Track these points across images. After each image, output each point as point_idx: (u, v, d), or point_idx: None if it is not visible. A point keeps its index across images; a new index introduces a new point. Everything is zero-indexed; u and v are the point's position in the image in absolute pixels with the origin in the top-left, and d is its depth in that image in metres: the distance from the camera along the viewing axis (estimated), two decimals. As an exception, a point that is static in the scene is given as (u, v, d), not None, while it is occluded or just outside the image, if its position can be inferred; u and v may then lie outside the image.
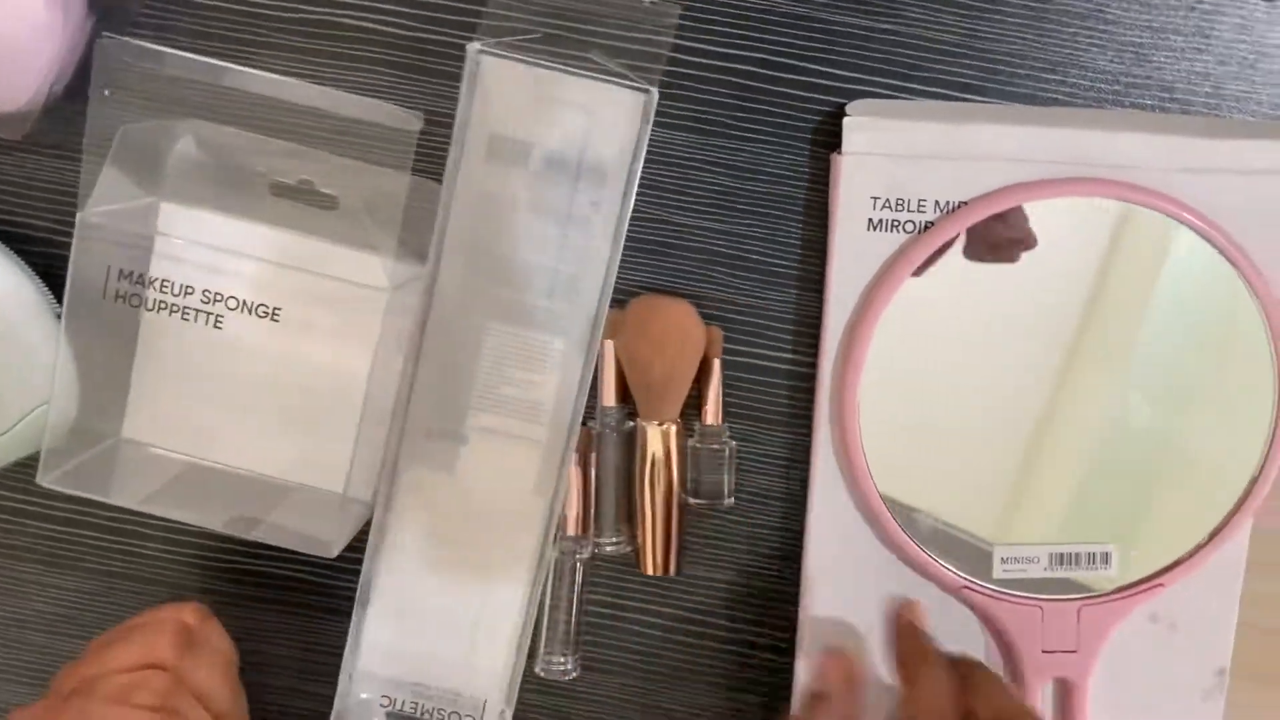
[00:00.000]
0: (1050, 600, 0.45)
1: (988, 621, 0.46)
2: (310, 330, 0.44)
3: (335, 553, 0.44)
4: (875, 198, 0.44)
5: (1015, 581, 0.45)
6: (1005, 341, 0.45)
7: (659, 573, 0.48)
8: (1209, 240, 0.43)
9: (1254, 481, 0.45)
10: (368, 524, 0.46)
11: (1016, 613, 0.45)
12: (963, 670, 0.41)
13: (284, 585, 0.50)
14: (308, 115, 0.43)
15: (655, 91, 0.43)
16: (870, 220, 0.44)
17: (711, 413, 0.47)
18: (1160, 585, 0.45)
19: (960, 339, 0.45)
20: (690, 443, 0.47)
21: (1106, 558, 0.45)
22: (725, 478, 0.47)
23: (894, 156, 0.44)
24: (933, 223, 0.44)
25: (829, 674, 0.44)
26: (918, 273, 0.44)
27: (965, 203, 0.44)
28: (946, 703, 0.40)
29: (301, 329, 0.44)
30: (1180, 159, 0.44)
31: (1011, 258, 0.44)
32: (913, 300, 0.44)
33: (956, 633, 0.46)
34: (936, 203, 0.44)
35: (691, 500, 0.47)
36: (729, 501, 0.47)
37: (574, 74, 0.45)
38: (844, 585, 0.46)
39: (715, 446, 0.47)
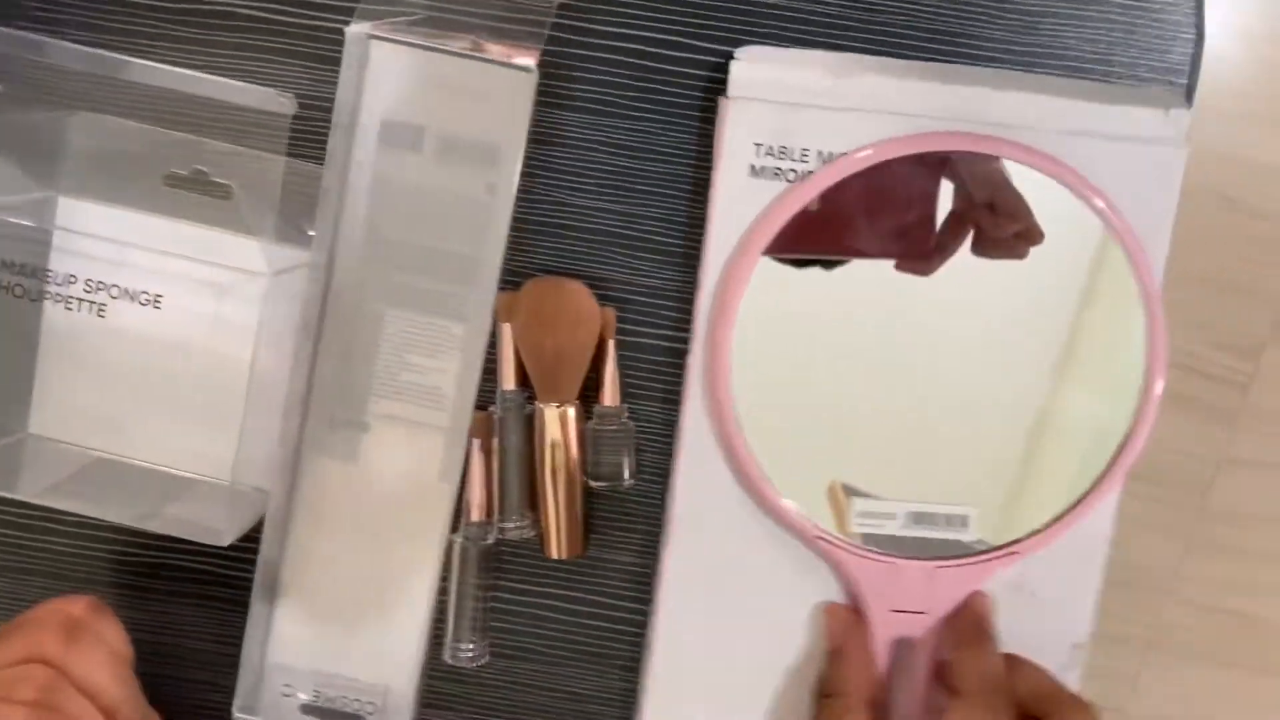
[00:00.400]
0: (904, 559, 0.45)
1: (841, 575, 0.46)
2: (192, 318, 0.45)
3: (227, 541, 0.44)
4: (759, 144, 0.44)
5: (871, 537, 0.45)
6: (876, 297, 0.45)
7: (564, 556, 0.48)
8: (1084, 200, 0.43)
9: (1118, 454, 0.45)
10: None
11: (868, 568, 0.45)
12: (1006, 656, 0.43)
13: (195, 578, 0.50)
14: (190, 104, 0.44)
15: (535, 70, 0.44)
16: (753, 166, 0.44)
17: (609, 394, 0.47)
18: (1015, 554, 0.45)
19: (830, 293, 0.45)
20: (589, 425, 0.47)
21: (964, 521, 0.45)
22: (625, 459, 0.47)
23: (780, 104, 0.44)
24: (814, 172, 0.44)
25: (834, 628, 0.45)
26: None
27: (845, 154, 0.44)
28: (999, 672, 0.42)
29: (184, 317, 0.45)
30: (1060, 121, 0.44)
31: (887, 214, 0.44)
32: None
33: (815, 585, 0.46)
34: (819, 152, 0.44)
35: (592, 483, 0.47)
36: (629, 482, 0.47)
37: (463, 56, 0.45)
38: (707, 533, 0.46)
39: (613, 428, 0.47)
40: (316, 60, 0.46)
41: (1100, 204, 0.43)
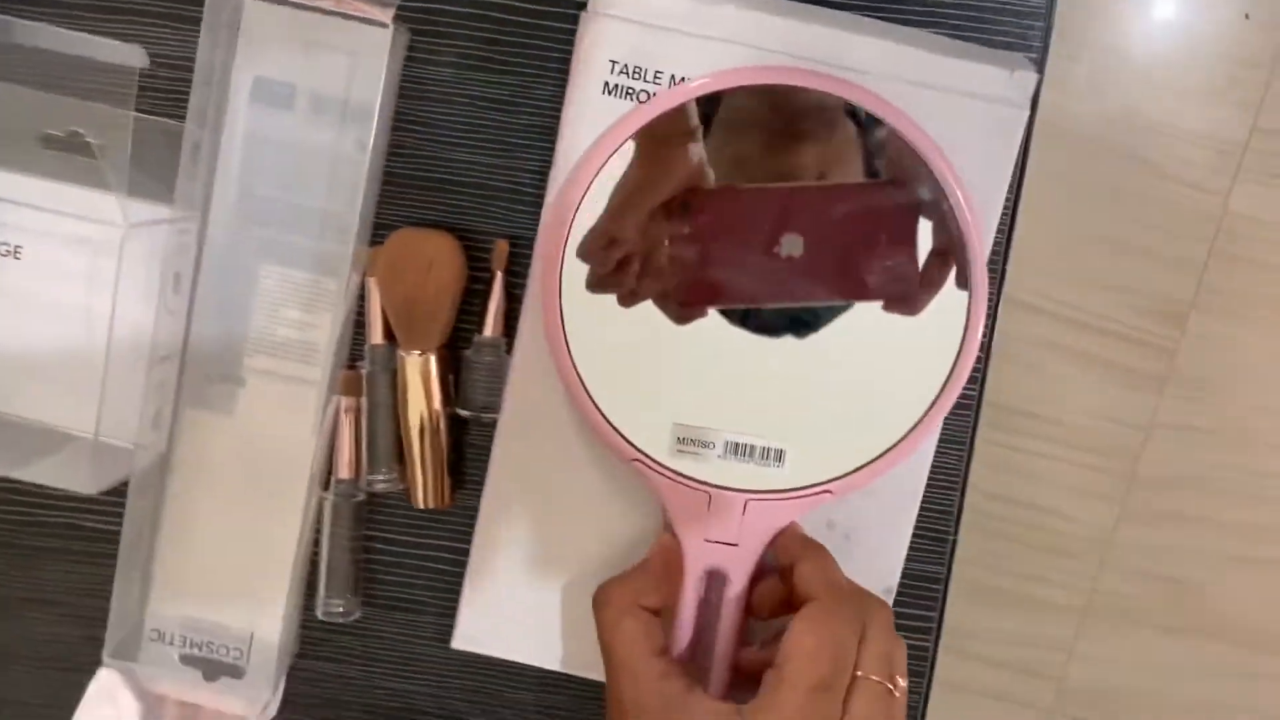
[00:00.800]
0: (718, 489, 0.45)
1: (658, 500, 0.46)
2: (51, 268, 0.45)
3: (94, 490, 0.45)
4: (614, 61, 0.45)
5: (689, 464, 0.45)
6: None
7: (430, 505, 0.48)
8: (916, 148, 0.44)
9: (931, 407, 0.45)
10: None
11: (683, 495, 0.45)
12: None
13: (66, 533, 0.51)
14: (41, 59, 0.44)
15: (392, 26, 0.44)
16: (606, 84, 0.45)
17: (490, 325, 0.48)
18: (829, 493, 0.45)
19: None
20: (466, 353, 0.48)
21: (780, 455, 0.45)
22: (496, 390, 0.47)
23: (639, 24, 0.44)
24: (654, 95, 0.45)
25: (654, 551, 0.46)
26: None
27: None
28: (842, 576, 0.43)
29: (43, 268, 0.45)
30: (911, 71, 0.44)
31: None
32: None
33: (637, 507, 0.47)
34: (672, 76, 0.44)
35: (460, 411, 0.48)
36: (493, 415, 0.48)
37: (328, 13, 0.46)
38: (535, 443, 0.47)
39: (487, 359, 0.47)
40: (174, 19, 0.47)
41: (932, 155, 0.44)
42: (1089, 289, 0.90)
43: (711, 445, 0.45)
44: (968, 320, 0.45)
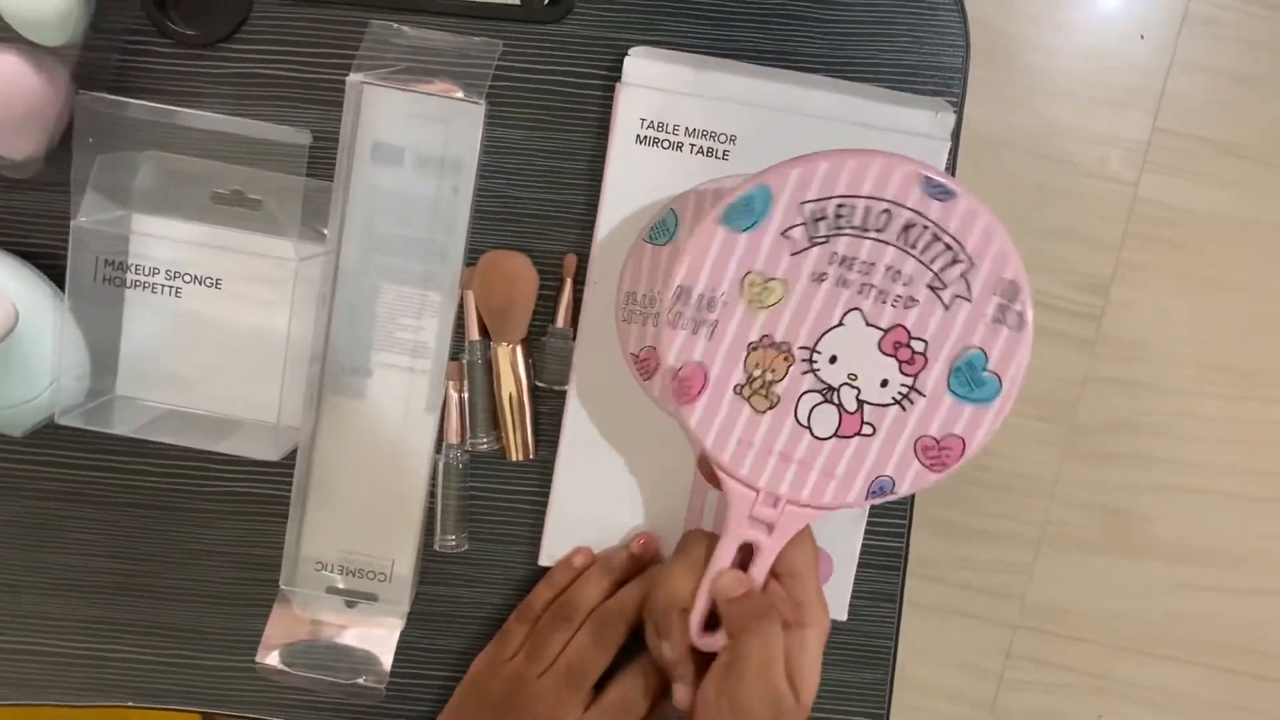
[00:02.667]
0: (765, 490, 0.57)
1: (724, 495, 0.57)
2: (244, 296, 0.61)
3: (276, 457, 0.60)
4: (643, 119, 0.60)
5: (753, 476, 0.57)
6: None
7: (519, 458, 0.64)
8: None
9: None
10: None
11: (740, 492, 0.57)
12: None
13: (245, 497, 0.66)
14: (231, 141, 0.60)
15: (483, 104, 0.60)
16: (638, 136, 0.60)
17: (561, 317, 0.63)
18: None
19: None
20: (542, 339, 0.63)
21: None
22: (565, 368, 0.63)
23: (659, 90, 0.60)
24: (682, 144, 0.60)
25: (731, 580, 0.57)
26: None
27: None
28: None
29: (238, 295, 0.61)
30: (855, 115, 0.60)
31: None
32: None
33: (674, 457, 0.62)
34: (688, 128, 0.60)
35: (538, 383, 0.64)
36: (564, 387, 0.63)
37: (433, 95, 0.61)
38: (597, 407, 0.63)
39: (559, 341, 0.63)
40: (326, 104, 0.62)
41: None
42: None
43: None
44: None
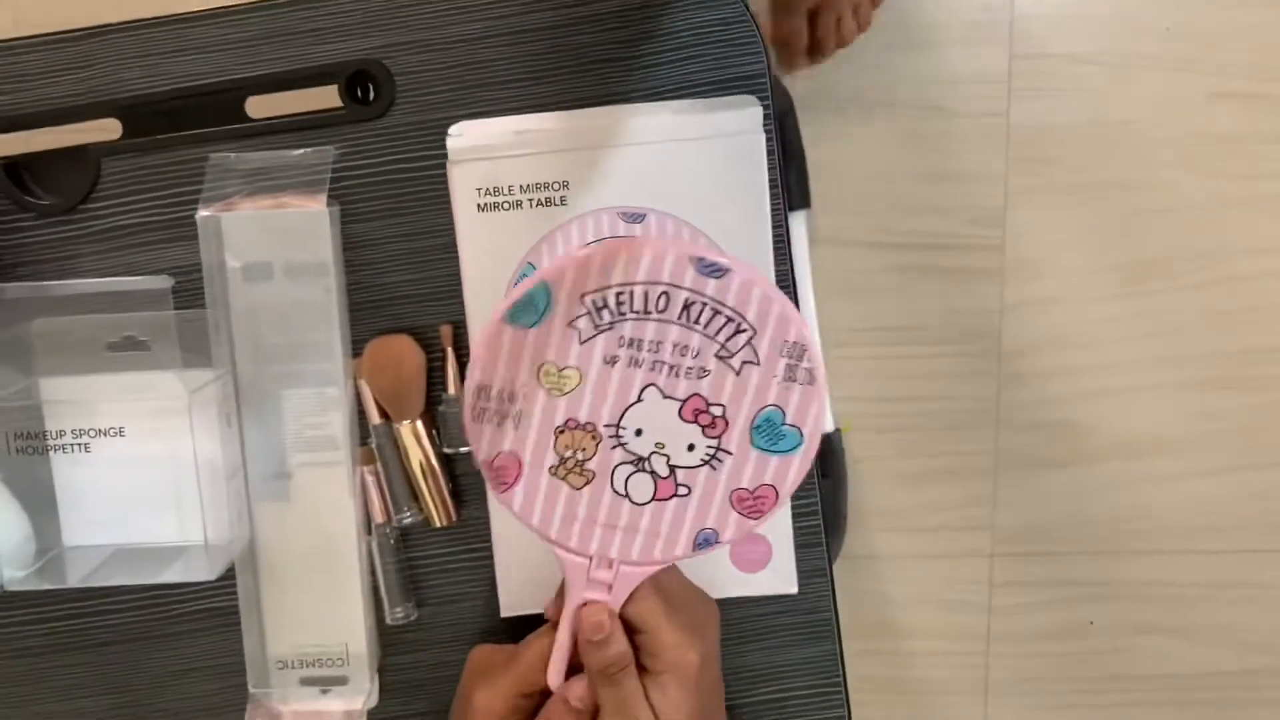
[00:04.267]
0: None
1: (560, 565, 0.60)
2: (148, 435, 0.65)
3: (213, 576, 0.64)
4: (478, 188, 0.64)
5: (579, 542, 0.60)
6: None
7: (443, 523, 0.68)
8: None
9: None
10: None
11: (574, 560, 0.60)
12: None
13: (196, 616, 0.70)
14: (107, 294, 0.64)
15: (332, 207, 0.63)
16: (478, 204, 0.64)
17: (451, 385, 0.67)
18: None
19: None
20: (438, 409, 0.67)
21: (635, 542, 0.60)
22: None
23: (486, 159, 0.64)
24: (520, 201, 0.64)
25: (592, 620, 0.58)
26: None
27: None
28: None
29: (142, 436, 0.65)
30: (672, 133, 0.63)
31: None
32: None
33: None
34: (521, 185, 0.64)
35: (446, 449, 0.67)
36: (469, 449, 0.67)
37: (283, 210, 0.65)
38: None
39: (455, 409, 0.67)
40: (190, 239, 0.66)
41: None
42: (918, 216, 1.10)
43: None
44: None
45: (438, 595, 0.70)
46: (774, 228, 0.65)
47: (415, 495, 0.68)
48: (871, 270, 1.11)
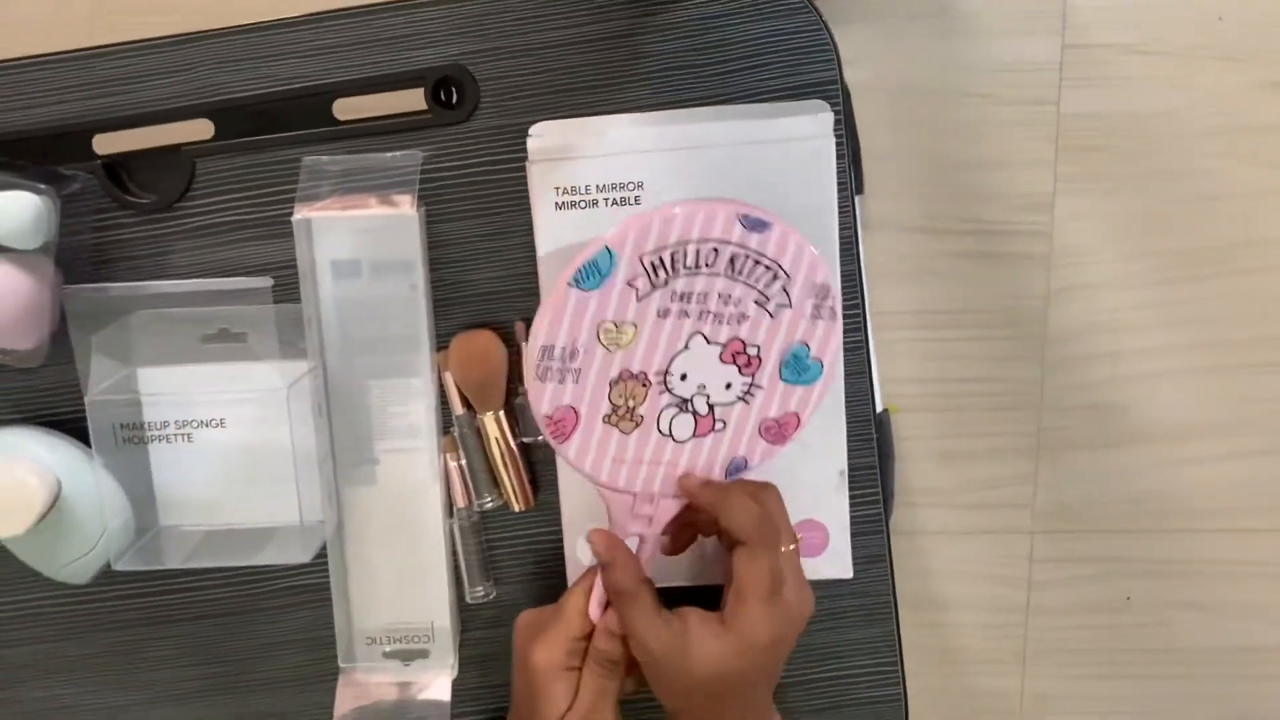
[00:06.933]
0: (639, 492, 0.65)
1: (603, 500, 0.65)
2: (247, 424, 0.69)
3: (306, 559, 0.68)
4: (557, 187, 0.67)
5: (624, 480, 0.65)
6: None
7: (521, 508, 0.72)
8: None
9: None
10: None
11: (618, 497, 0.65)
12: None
13: (289, 593, 0.74)
14: (209, 295, 0.67)
15: (415, 211, 0.66)
16: (556, 203, 0.67)
17: (527, 378, 0.70)
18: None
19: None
20: (515, 402, 0.70)
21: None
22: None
23: (562, 159, 0.67)
24: (596, 200, 0.66)
25: (598, 547, 0.63)
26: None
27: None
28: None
29: (242, 425, 0.69)
30: (743, 136, 0.66)
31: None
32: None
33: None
34: (598, 185, 0.66)
35: (524, 439, 0.71)
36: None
37: (370, 213, 0.68)
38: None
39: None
40: (282, 235, 0.69)
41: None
42: (967, 203, 1.12)
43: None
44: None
45: (514, 575, 0.74)
46: (841, 229, 0.68)
47: (495, 481, 0.71)
48: (920, 255, 1.13)
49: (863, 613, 0.74)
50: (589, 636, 0.65)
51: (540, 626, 0.65)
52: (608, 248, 0.60)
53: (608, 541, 0.63)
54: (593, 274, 0.61)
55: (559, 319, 0.61)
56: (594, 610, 0.64)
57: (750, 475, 0.65)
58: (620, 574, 0.62)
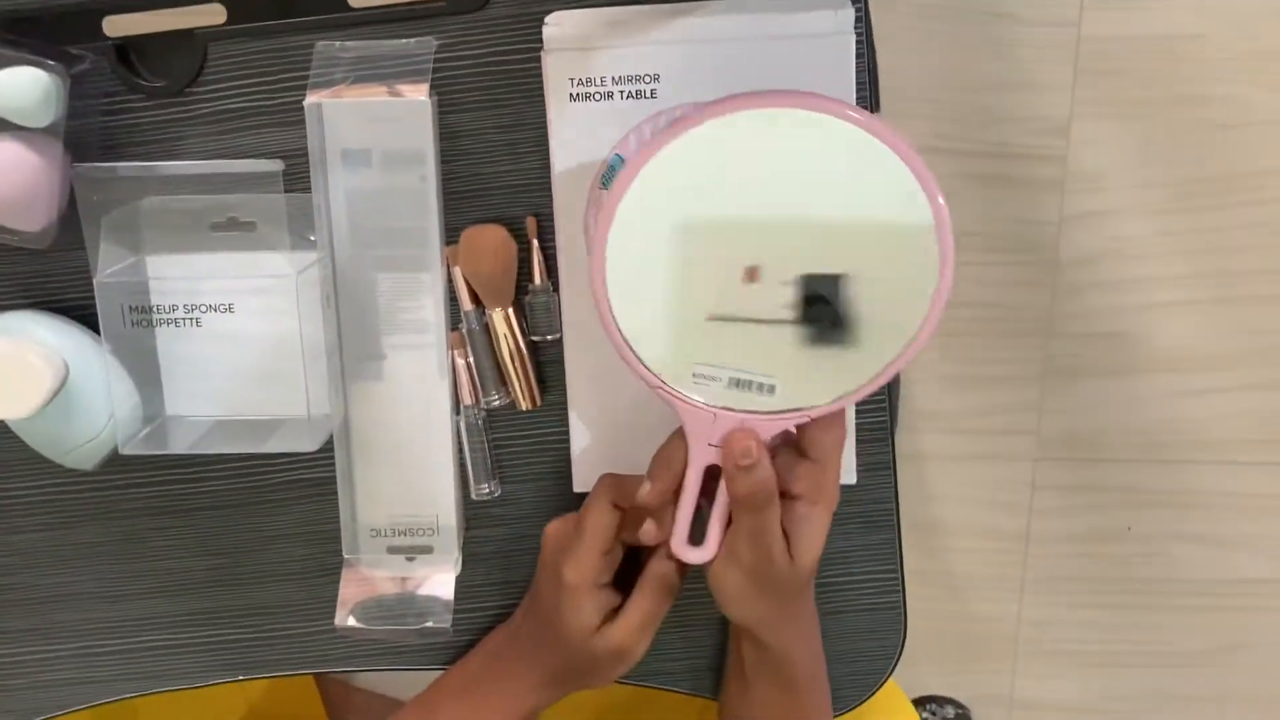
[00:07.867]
0: (722, 410, 0.62)
1: (676, 415, 0.63)
2: (256, 312, 0.68)
3: (315, 447, 0.68)
4: (572, 78, 0.66)
5: (701, 391, 0.61)
6: (719, 203, 0.59)
7: (528, 407, 0.71)
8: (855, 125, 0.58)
9: (903, 351, 0.60)
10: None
11: (695, 414, 0.62)
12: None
13: (297, 484, 0.74)
14: (216, 176, 0.67)
15: (428, 99, 0.65)
16: (571, 95, 0.66)
17: (537, 275, 0.69)
18: (808, 415, 0.61)
19: (689, 199, 0.59)
20: (524, 299, 0.70)
21: (771, 389, 0.61)
22: (553, 318, 0.70)
23: (578, 49, 0.65)
24: (611, 93, 0.66)
25: (748, 449, 0.60)
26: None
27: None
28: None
29: (251, 312, 0.68)
30: (761, 30, 0.65)
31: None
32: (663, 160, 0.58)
33: (665, 423, 0.66)
34: (614, 77, 0.66)
35: (533, 337, 0.70)
36: (557, 335, 0.70)
37: (382, 100, 0.67)
38: (590, 346, 0.69)
39: (542, 297, 0.70)
40: (294, 123, 0.68)
41: (881, 131, 0.58)
42: (982, 124, 1.10)
43: (719, 379, 0.61)
44: (939, 266, 0.59)
45: (521, 474, 0.74)
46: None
47: (503, 379, 0.71)
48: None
49: (865, 519, 0.74)
50: (614, 548, 0.67)
51: (566, 544, 0.67)
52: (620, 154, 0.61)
53: (753, 442, 0.60)
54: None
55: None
56: (679, 533, 0.64)
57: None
58: (762, 478, 0.61)
